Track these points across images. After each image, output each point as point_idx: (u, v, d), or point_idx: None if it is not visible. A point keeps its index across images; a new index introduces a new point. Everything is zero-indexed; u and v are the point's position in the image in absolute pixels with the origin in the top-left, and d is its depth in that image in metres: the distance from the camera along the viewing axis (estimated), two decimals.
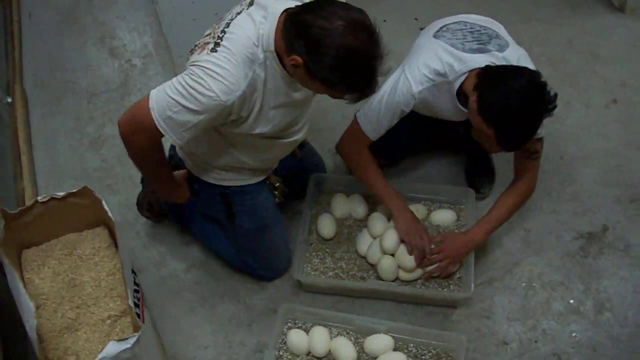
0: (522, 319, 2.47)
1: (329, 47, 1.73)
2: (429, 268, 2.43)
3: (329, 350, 2.33)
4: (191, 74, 1.85)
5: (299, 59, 1.79)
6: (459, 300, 2.47)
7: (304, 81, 1.90)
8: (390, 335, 2.32)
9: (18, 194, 2.77)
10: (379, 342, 2.31)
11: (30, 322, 1.80)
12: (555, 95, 2.04)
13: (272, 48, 1.87)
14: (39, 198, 2.07)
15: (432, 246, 2.44)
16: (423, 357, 2.31)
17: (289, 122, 2.14)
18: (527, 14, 3.60)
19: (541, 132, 2.26)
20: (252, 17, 1.89)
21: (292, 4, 1.90)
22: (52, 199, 2.08)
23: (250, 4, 1.95)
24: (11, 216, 2.04)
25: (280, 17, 1.85)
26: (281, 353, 2.34)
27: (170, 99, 1.85)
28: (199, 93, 1.83)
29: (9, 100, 3.15)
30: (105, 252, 2.15)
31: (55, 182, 2.93)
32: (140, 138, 1.95)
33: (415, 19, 3.55)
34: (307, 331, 2.36)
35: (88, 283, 2.09)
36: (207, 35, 1.98)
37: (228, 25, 1.89)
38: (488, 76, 2.05)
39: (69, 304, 2.04)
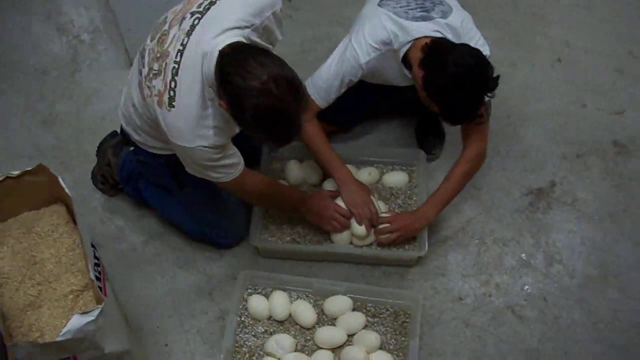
0: (475, 275, 2.54)
1: (246, 107, 1.79)
2: (382, 237, 2.47)
3: (290, 314, 2.38)
4: (189, 159, 2.10)
5: (225, 105, 1.88)
6: (414, 259, 2.53)
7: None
8: (349, 296, 2.38)
9: None
10: (337, 303, 2.37)
11: None
12: (498, 76, 2.10)
13: (214, 83, 1.92)
14: None
15: (384, 215, 2.49)
16: (381, 315, 2.38)
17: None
18: None
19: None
20: (192, 66, 1.94)
21: (222, 34, 1.93)
22: (8, 177, 2.07)
23: (189, 32, 1.98)
24: None
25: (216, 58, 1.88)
26: (243, 319, 2.38)
27: (204, 172, 2.13)
28: (204, 166, 2.09)
29: None
30: (63, 229, 2.15)
31: (9, 162, 2.90)
32: (242, 194, 2.37)
33: None
34: (267, 296, 2.41)
35: (48, 260, 2.08)
36: (154, 60, 2.05)
37: (177, 72, 1.96)
38: (433, 55, 2.11)
39: (31, 281, 2.04)
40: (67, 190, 2.04)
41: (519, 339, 2.40)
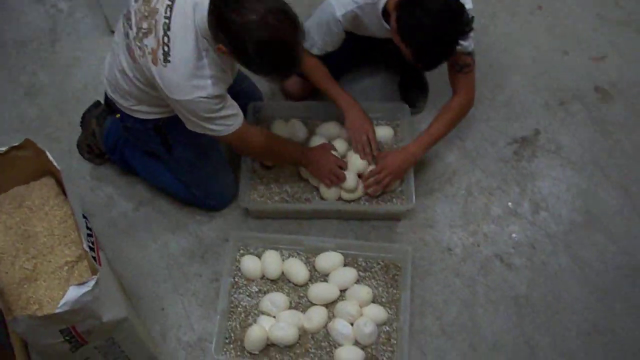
0: (463, 225, 2.58)
1: (250, 42, 1.85)
2: (371, 190, 2.50)
3: (282, 272, 2.41)
4: (190, 113, 2.10)
5: (224, 48, 1.94)
6: (402, 212, 2.56)
7: (234, 61, 2.05)
8: (339, 252, 2.41)
9: None
10: (329, 259, 2.40)
11: None
12: (472, 18, 2.11)
13: (207, 31, 1.97)
14: None
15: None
16: (372, 269, 2.41)
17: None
18: None
19: (469, 45, 2.32)
20: (184, 19, 1.99)
21: None
22: None
23: None
24: None
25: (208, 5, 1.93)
26: (236, 279, 2.41)
27: (206, 125, 2.15)
28: (205, 118, 2.11)
29: None
30: (54, 201, 2.16)
31: None
32: (244, 149, 2.39)
33: None
34: (259, 256, 2.44)
35: (41, 233, 2.09)
36: (143, 19, 2.06)
37: (168, 26, 1.99)
38: (406, 1, 2.10)
39: (25, 255, 2.05)
40: (55, 164, 2.04)
41: (508, 286, 2.45)
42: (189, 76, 2.01)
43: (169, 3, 2.01)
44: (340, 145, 2.59)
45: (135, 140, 2.52)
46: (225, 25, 1.88)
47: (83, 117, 2.70)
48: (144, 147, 2.54)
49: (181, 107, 2.09)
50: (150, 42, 2.03)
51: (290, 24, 1.89)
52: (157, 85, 2.07)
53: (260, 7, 1.84)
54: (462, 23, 2.08)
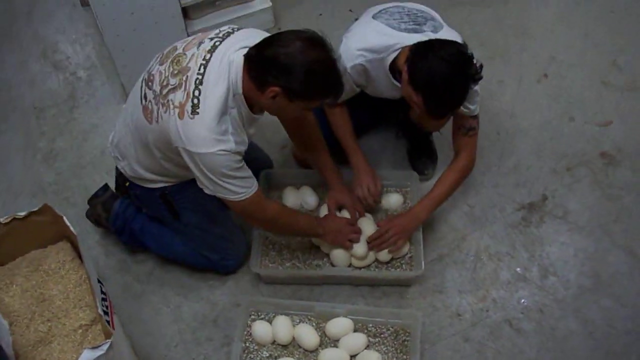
0: (472, 291, 2.59)
1: (299, 66, 1.96)
2: (376, 248, 2.54)
3: (293, 338, 2.42)
4: (210, 170, 2.11)
5: (276, 88, 2.01)
6: (411, 278, 2.59)
7: (282, 107, 2.11)
8: (350, 318, 2.42)
9: None
10: (339, 325, 2.41)
11: (6, 340, 1.85)
12: (481, 65, 2.17)
13: (240, 91, 2.07)
14: (1, 219, 2.10)
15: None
16: (382, 335, 2.42)
17: None
18: None
19: (476, 109, 2.39)
20: (218, 74, 2.07)
21: (244, 49, 2.10)
22: (14, 219, 2.12)
23: (212, 50, 2.11)
24: None
25: (243, 63, 2.05)
26: (247, 345, 2.43)
27: (224, 185, 2.15)
28: (226, 175, 2.12)
29: None
30: (70, 265, 2.20)
31: (12, 199, 2.97)
32: (259, 216, 2.33)
33: (350, 10, 3.63)
34: (270, 321, 2.45)
35: (57, 296, 2.13)
36: (171, 76, 2.13)
37: (201, 81, 2.06)
38: (419, 48, 2.17)
39: (40, 318, 2.09)
40: (72, 229, 2.09)
41: (518, 351, 2.45)
42: (214, 129, 2.05)
43: (203, 62, 2.09)
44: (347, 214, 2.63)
45: (144, 208, 2.59)
46: (273, 61, 1.98)
47: (90, 200, 2.74)
48: (153, 214, 2.59)
49: (201, 163, 2.09)
50: (178, 96, 2.08)
51: (327, 46, 2.03)
52: (176, 141, 2.09)
53: (296, 37, 2.00)
54: (473, 70, 2.15)
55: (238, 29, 2.22)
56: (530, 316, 2.53)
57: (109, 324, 1.95)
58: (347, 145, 2.62)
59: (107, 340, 1.82)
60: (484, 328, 2.50)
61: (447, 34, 2.34)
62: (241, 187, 2.17)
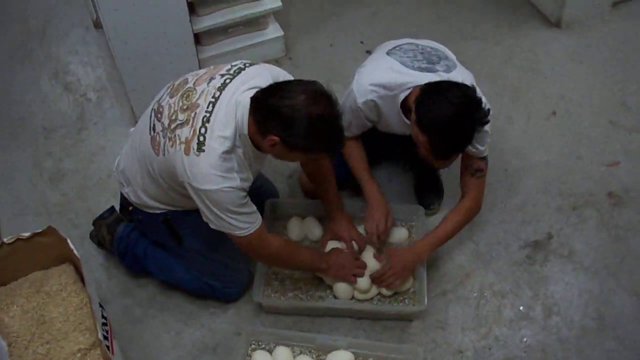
0: (475, 328, 2.58)
1: (300, 120, 1.98)
2: (375, 285, 2.54)
3: None
4: (215, 206, 2.12)
5: (276, 138, 2.03)
6: (414, 313, 2.57)
7: (282, 154, 2.14)
8: (350, 351, 2.40)
9: None
10: (339, 358, 2.39)
11: None
12: (489, 110, 2.18)
13: (246, 132, 2.10)
14: (5, 239, 2.11)
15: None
16: None
17: None
18: (467, 33, 3.74)
19: (485, 150, 2.39)
20: (226, 113, 2.09)
21: (253, 89, 2.12)
22: (18, 239, 2.13)
23: (221, 88, 2.13)
24: None
25: (250, 105, 2.07)
26: None
27: (228, 220, 2.16)
28: (230, 211, 2.14)
29: None
30: (72, 288, 2.20)
31: (16, 218, 2.97)
32: (263, 251, 2.35)
33: (362, 42, 3.66)
34: (270, 351, 2.44)
35: (57, 319, 2.13)
36: (180, 110, 2.16)
37: (208, 119, 2.08)
38: (428, 89, 2.18)
39: (39, 339, 2.08)
40: (75, 252, 2.10)
41: None
42: (220, 167, 2.06)
43: (212, 100, 2.11)
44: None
45: (147, 232, 2.59)
46: (274, 112, 2.00)
47: (94, 222, 2.75)
48: (156, 239, 2.59)
49: (206, 199, 2.11)
50: (184, 132, 2.10)
51: (331, 101, 2.05)
52: (182, 176, 2.11)
53: (302, 89, 2.01)
54: (480, 114, 2.16)
55: (250, 65, 2.23)
56: (533, 355, 2.50)
57: (108, 349, 1.95)
58: (361, 177, 2.63)
59: None
60: None
61: (460, 74, 2.35)
62: (245, 223, 2.18)
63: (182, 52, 3.10)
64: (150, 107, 2.32)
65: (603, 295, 2.66)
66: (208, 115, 2.08)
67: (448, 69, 2.35)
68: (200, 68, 3.18)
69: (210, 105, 2.10)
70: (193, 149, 2.06)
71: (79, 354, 2.08)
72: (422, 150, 2.22)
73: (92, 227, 2.78)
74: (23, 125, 3.38)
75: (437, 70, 2.33)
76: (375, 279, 2.53)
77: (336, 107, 2.06)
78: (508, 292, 2.67)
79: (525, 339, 2.55)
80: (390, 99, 2.37)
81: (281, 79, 2.19)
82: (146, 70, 3.05)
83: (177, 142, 2.11)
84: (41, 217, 2.97)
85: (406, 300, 2.57)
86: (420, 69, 2.33)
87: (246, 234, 2.20)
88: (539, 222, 2.88)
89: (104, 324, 2.06)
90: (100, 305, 2.11)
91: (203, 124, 2.07)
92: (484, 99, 2.28)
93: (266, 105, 2.03)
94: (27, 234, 2.14)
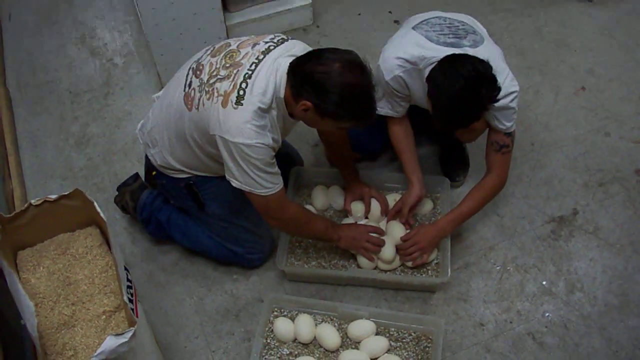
0: (497, 301, 2.57)
1: (333, 87, 2.00)
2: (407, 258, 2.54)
3: (314, 337, 2.42)
4: (244, 160, 2.13)
5: (308, 103, 2.07)
6: (436, 285, 2.57)
7: (313, 121, 2.16)
8: (372, 321, 2.42)
9: (7, 195, 2.82)
10: (361, 327, 2.41)
11: (31, 321, 1.86)
12: (500, 88, 2.14)
13: (282, 96, 2.14)
14: (32, 201, 2.12)
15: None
16: (404, 340, 2.41)
17: None
18: (497, 5, 3.68)
19: (511, 127, 2.37)
20: (267, 74, 2.13)
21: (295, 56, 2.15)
22: (45, 201, 2.14)
23: (265, 52, 2.18)
24: (6, 219, 2.09)
25: (287, 71, 2.10)
26: (268, 341, 2.43)
27: (253, 177, 2.17)
28: (258, 168, 2.15)
29: None
30: (97, 251, 2.21)
31: (42, 182, 3.00)
32: (279, 215, 2.33)
33: (389, 11, 3.63)
34: (292, 319, 2.45)
35: (82, 281, 2.15)
36: (222, 68, 2.19)
37: (250, 76, 2.13)
38: (443, 61, 2.17)
39: (65, 301, 2.10)
40: (102, 215, 2.10)
41: None
42: (255, 122, 2.09)
43: (256, 61, 2.15)
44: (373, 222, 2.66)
45: (170, 198, 2.60)
46: (309, 77, 2.03)
47: (119, 189, 2.77)
48: (179, 205, 2.60)
49: (236, 152, 2.12)
50: (224, 85, 2.13)
51: (365, 72, 2.07)
52: (215, 129, 2.13)
53: (338, 58, 2.03)
54: (488, 92, 2.13)
55: (292, 39, 2.28)
56: (554, 331, 2.50)
57: (133, 312, 1.96)
58: (406, 161, 2.63)
59: (131, 328, 1.82)
60: (507, 340, 2.48)
61: (487, 50, 2.32)
62: (269, 182, 2.19)
63: (209, 17, 3.10)
64: (187, 66, 2.34)
65: (627, 272, 2.64)
66: (250, 72, 2.12)
67: (475, 44, 2.32)
68: (227, 35, 3.19)
69: (254, 65, 2.14)
70: (232, 101, 2.10)
71: (104, 316, 2.09)
72: (434, 122, 2.21)
73: (116, 192, 2.80)
74: (50, 90, 3.39)
75: (464, 45, 2.30)
76: (400, 252, 2.53)
77: (370, 78, 2.08)
78: (531, 267, 2.66)
79: (547, 314, 2.54)
80: (417, 74, 2.35)
81: None
82: (173, 36, 3.04)
83: (215, 94, 2.14)
84: (67, 181, 2.99)
85: (429, 272, 2.57)
86: (446, 44, 2.31)
87: (267, 194, 2.21)
88: (565, 197, 2.86)
89: (129, 287, 2.06)
90: (126, 269, 2.12)
91: (244, 80, 2.11)
92: (508, 79, 2.28)
93: (302, 70, 2.06)
94: (54, 196, 2.15)
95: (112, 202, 2.82)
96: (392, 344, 2.40)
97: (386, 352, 2.37)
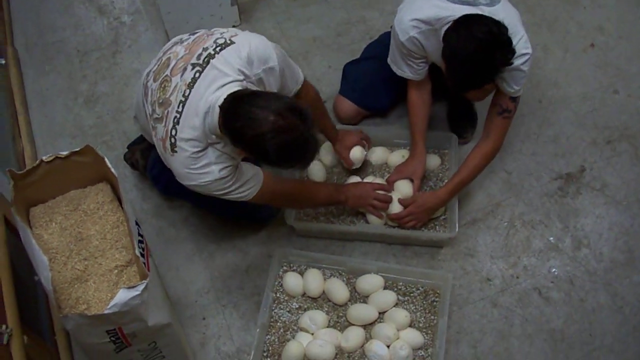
0: (504, 257, 2.60)
1: (267, 149, 1.83)
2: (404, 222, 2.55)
3: (323, 291, 2.46)
4: (209, 192, 2.09)
5: (244, 154, 1.99)
6: (444, 240, 2.60)
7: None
8: (380, 275, 2.45)
9: (17, 154, 2.84)
10: (370, 281, 2.44)
11: (46, 275, 1.88)
12: (514, 51, 2.12)
13: (219, 133, 1.96)
14: (44, 158, 2.12)
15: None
16: (412, 294, 2.44)
17: None
18: None
19: (518, 91, 2.34)
20: (194, 119, 1.99)
21: (224, 87, 1.99)
22: (57, 158, 2.14)
23: (191, 84, 2.02)
24: (18, 176, 2.10)
25: (219, 112, 1.92)
26: (278, 295, 2.47)
27: (227, 196, 2.13)
28: (223, 190, 2.10)
29: (2, 62, 3.18)
30: (108, 206, 2.23)
31: (52, 141, 3.01)
32: (278, 198, 2.32)
33: None
34: (301, 274, 2.49)
35: (94, 236, 2.17)
36: (157, 104, 2.10)
37: (178, 121, 2.01)
38: (458, 20, 2.15)
39: (77, 256, 2.13)
40: (113, 170, 2.12)
41: (545, 319, 2.46)
42: (194, 166, 2.03)
43: (182, 99, 2.02)
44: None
45: None
46: (241, 140, 1.87)
47: (129, 147, 2.79)
48: None
49: (199, 190, 2.10)
50: (160, 131, 2.08)
51: (301, 118, 1.85)
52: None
53: (268, 113, 1.81)
54: (502, 54, 2.10)
55: (230, 41, 2.08)
56: (560, 286, 2.53)
57: (145, 266, 1.98)
58: (414, 131, 2.62)
59: (143, 282, 1.85)
60: (513, 294, 2.51)
61: (503, 10, 2.28)
62: (246, 189, 2.14)
63: None
64: (147, 70, 2.28)
65: (633, 229, 2.66)
66: (178, 116, 2.02)
67: (491, 3, 2.28)
68: None
69: (180, 105, 2.02)
70: (167, 149, 2.05)
71: (116, 271, 2.12)
72: (447, 81, 2.21)
73: (126, 150, 2.82)
74: (57, 48, 3.39)
75: (480, 4, 2.27)
76: (397, 220, 2.54)
77: (307, 125, 1.86)
78: (538, 223, 2.68)
79: (553, 270, 2.57)
80: (433, 34, 2.32)
81: (256, 69, 2.07)
82: None
83: (156, 136, 2.11)
84: (76, 139, 3.01)
85: (437, 227, 2.59)
86: (462, 2, 2.27)
87: (253, 194, 2.18)
88: (572, 154, 2.87)
89: (140, 242, 2.09)
90: (137, 224, 2.14)
91: (174, 126, 2.02)
92: (522, 40, 2.25)
93: (233, 129, 1.87)
94: (65, 153, 2.16)
95: (121, 160, 2.83)
96: (400, 298, 2.43)
97: (394, 306, 2.41)
